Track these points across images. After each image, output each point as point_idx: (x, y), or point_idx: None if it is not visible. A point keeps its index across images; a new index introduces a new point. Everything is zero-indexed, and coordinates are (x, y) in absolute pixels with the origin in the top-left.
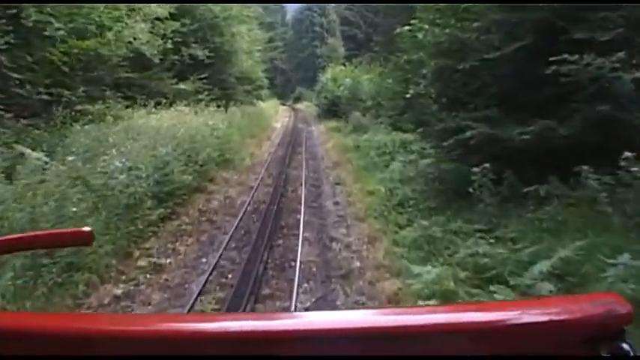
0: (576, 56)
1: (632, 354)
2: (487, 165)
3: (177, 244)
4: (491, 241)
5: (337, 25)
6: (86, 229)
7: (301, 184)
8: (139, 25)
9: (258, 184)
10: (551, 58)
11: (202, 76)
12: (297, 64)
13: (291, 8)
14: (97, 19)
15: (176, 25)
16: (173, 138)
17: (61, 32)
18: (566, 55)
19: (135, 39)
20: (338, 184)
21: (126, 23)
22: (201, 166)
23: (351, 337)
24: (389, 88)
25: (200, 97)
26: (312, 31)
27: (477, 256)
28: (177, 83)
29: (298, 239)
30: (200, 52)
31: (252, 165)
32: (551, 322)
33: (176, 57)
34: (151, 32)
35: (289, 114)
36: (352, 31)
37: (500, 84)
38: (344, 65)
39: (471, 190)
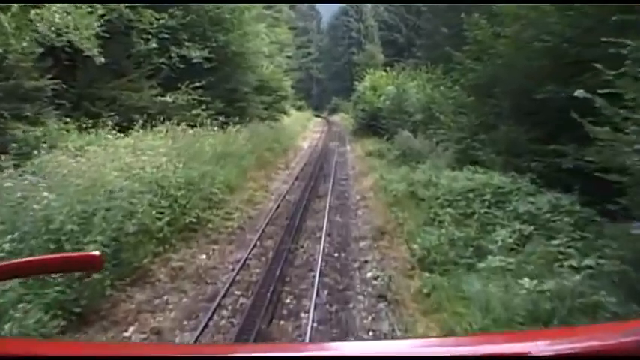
0: None
1: None
2: None
3: None
4: None
5: (376, 30)
6: (95, 253)
7: (312, 294)
8: (54, 6)
9: (230, 285)
10: None
11: (198, 84)
12: (334, 72)
13: (327, 14)
14: None
15: (161, 17)
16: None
17: None
18: None
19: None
20: (384, 299)
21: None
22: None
23: None
24: (453, 98)
25: (195, 112)
26: (349, 38)
27: None
28: (162, 94)
29: None
30: (196, 54)
31: (241, 227)
32: (585, 351)
33: (162, 60)
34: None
35: (322, 129)
36: (392, 35)
37: None
38: (385, 71)
39: None
